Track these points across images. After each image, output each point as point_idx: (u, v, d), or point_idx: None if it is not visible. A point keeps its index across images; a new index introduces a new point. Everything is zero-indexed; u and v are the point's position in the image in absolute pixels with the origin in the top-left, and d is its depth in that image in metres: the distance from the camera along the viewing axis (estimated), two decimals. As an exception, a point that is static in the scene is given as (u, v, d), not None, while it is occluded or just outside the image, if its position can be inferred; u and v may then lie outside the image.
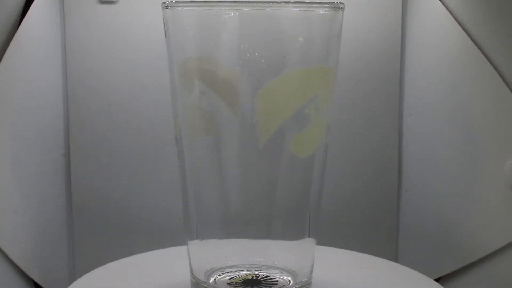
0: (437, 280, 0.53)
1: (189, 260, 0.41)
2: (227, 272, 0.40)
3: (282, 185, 0.38)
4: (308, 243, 0.40)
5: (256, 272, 0.39)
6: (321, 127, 0.38)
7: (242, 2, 0.35)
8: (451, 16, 0.52)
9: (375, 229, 0.61)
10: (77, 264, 0.58)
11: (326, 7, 0.36)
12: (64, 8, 0.55)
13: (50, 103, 0.55)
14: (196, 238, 0.40)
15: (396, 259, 0.61)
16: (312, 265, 0.40)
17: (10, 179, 0.48)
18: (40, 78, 0.53)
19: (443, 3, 0.53)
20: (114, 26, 0.56)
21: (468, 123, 0.51)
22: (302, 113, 0.37)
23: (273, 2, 0.35)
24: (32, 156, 0.52)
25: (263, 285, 0.39)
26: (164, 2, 0.37)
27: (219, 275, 0.39)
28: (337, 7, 0.37)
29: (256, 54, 0.36)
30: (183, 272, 0.44)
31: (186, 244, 0.41)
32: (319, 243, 0.41)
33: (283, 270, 0.40)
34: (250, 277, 0.39)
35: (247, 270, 0.40)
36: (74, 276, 0.58)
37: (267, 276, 0.39)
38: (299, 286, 0.39)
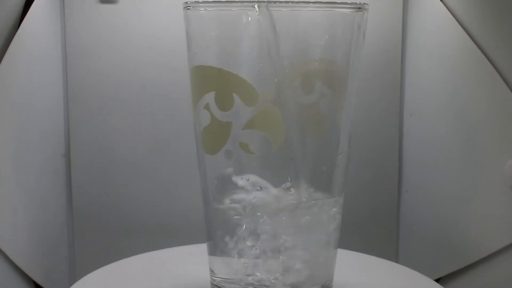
0: (437, 280, 0.53)
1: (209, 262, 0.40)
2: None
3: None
4: (331, 249, 0.40)
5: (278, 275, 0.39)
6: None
7: (264, 1, 0.35)
8: (452, 17, 0.52)
9: (375, 229, 0.61)
10: (78, 264, 0.58)
11: (349, 8, 0.36)
12: (65, 8, 0.55)
13: (50, 103, 0.55)
14: (214, 239, 0.40)
15: (396, 259, 0.61)
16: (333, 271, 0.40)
17: (10, 179, 0.47)
18: (40, 78, 0.53)
19: (444, 3, 0.53)
20: (114, 26, 0.56)
21: (468, 123, 0.51)
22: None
23: (295, 2, 0.35)
24: (32, 156, 0.52)
25: None
26: (186, 3, 0.37)
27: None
28: (360, 8, 0.37)
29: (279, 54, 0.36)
30: (184, 272, 0.44)
31: (190, 244, 0.41)
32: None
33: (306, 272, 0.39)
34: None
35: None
36: (74, 276, 0.58)
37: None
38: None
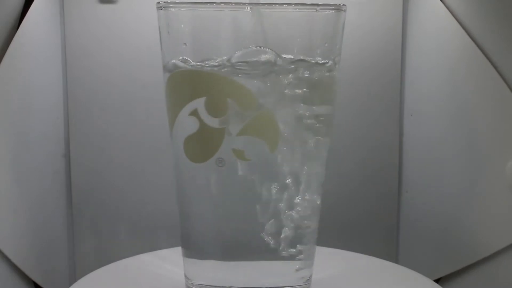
0: (437, 281, 0.53)
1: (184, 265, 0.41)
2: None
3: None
4: (310, 250, 0.40)
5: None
6: None
7: (239, 3, 0.35)
8: (452, 17, 0.52)
9: (375, 229, 0.61)
10: (77, 265, 0.58)
11: (329, 9, 0.36)
12: (64, 8, 0.55)
13: (50, 103, 0.55)
14: (190, 244, 0.40)
15: (396, 260, 0.61)
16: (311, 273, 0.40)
17: (10, 179, 0.47)
18: (40, 78, 0.53)
19: (444, 3, 0.53)
20: (114, 26, 0.56)
21: (469, 123, 0.51)
22: None
23: (272, 4, 0.35)
24: (32, 156, 0.52)
25: None
26: (159, 2, 0.37)
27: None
28: (339, 9, 0.37)
29: (254, 58, 0.35)
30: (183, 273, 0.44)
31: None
32: (319, 243, 0.41)
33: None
34: None
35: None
36: (74, 276, 0.58)
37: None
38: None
